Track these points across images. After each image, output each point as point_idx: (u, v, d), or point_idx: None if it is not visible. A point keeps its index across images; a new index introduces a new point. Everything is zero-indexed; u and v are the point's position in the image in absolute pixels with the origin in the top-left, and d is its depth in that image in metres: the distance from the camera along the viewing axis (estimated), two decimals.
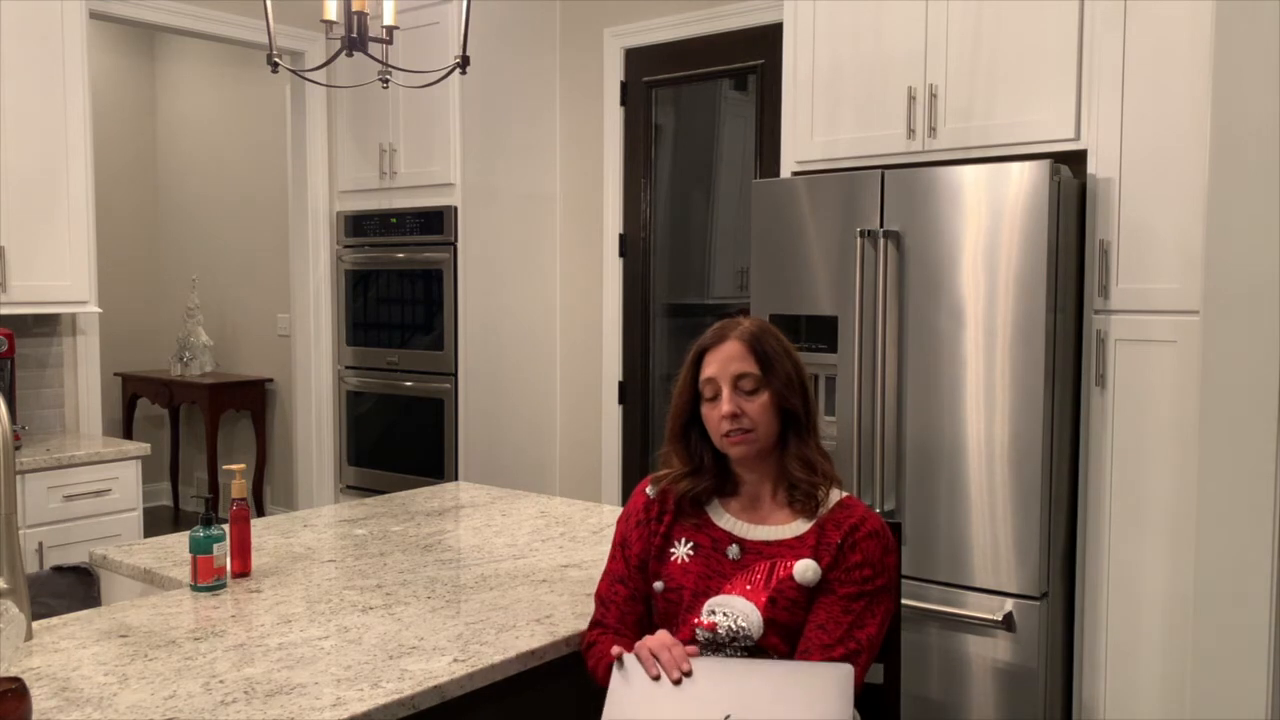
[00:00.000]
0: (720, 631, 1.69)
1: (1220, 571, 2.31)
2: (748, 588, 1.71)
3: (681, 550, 1.79)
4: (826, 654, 1.65)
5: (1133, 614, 2.84)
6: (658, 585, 1.79)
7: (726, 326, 1.79)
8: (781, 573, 1.70)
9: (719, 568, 1.75)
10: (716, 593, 1.73)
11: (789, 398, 1.75)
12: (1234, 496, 2.29)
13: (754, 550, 1.75)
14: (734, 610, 1.69)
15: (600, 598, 1.86)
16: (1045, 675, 2.80)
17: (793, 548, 1.73)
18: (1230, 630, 2.30)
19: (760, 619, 1.68)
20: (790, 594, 1.69)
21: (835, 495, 1.78)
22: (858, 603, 1.68)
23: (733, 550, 1.76)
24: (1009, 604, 2.81)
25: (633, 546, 1.84)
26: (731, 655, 1.70)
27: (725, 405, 1.73)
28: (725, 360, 1.74)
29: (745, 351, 1.74)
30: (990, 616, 2.82)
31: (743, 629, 1.68)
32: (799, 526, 1.75)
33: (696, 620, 1.71)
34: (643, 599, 1.84)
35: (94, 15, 4.04)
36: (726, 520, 1.80)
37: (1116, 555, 2.86)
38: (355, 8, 2.62)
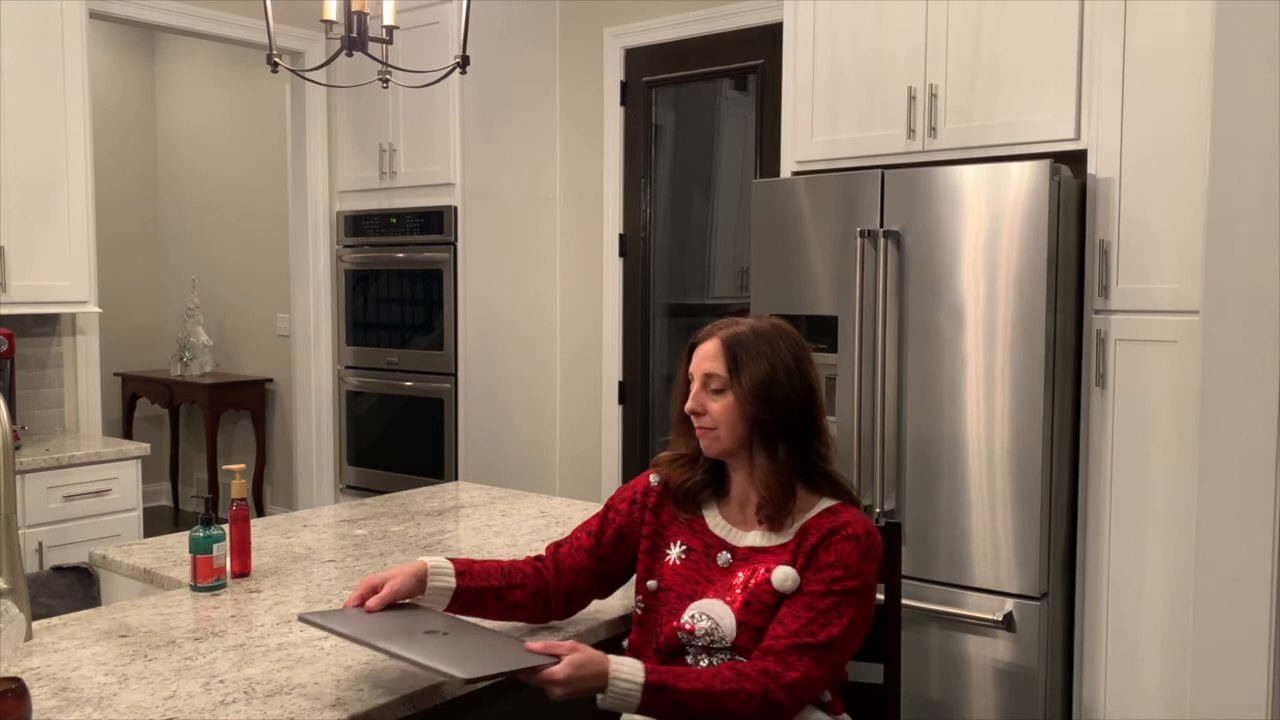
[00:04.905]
0: (698, 634, 1.70)
1: (1220, 571, 2.31)
2: (726, 592, 1.72)
3: (675, 552, 1.81)
4: (777, 643, 1.63)
5: (1133, 614, 2.84)
6: (651, 584, 1.81)
7: (717, 325, 1.81)
8: (759, 577, 1.70)
9: (707, 573, 1.76)
10: (700, 597, 1.74)
11: (751, 407, 1.72)
12: (1234, 496, 2.29)
13: (742, 556, 1.76)
14: (711, 613, 1.70)
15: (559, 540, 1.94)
16: (1045, 675, 2.80)
17: (776, 554, 1.73)
18: (1230, 630, 2.30)
19: (734, 621, 1.69)
20: (765, 598, 1.69)
21: (825, 503, 1.76)
22: (824, 600, 1.66)
23: (723, 557, 1.77)
24: (1009, 604, 2.81)
25: (615, 519, 1.88)
26: (711, 658, 1.71)
27: (690, 401, 1.77)
28: (701, 358, 1.78)
29: (719, 351, 1.75)
30: (990, 616, 2.82)
31: (717, 629, 1.69)
32: (786, 534, 1.74)
33: (677, 623, 1.73)
34: (598, 562, 1.87)
35: (94, 15, 4.04)
36: (720, 525, 1.81)
37: (1116, 555, 2.86)
38: (355, 8, 2.62)
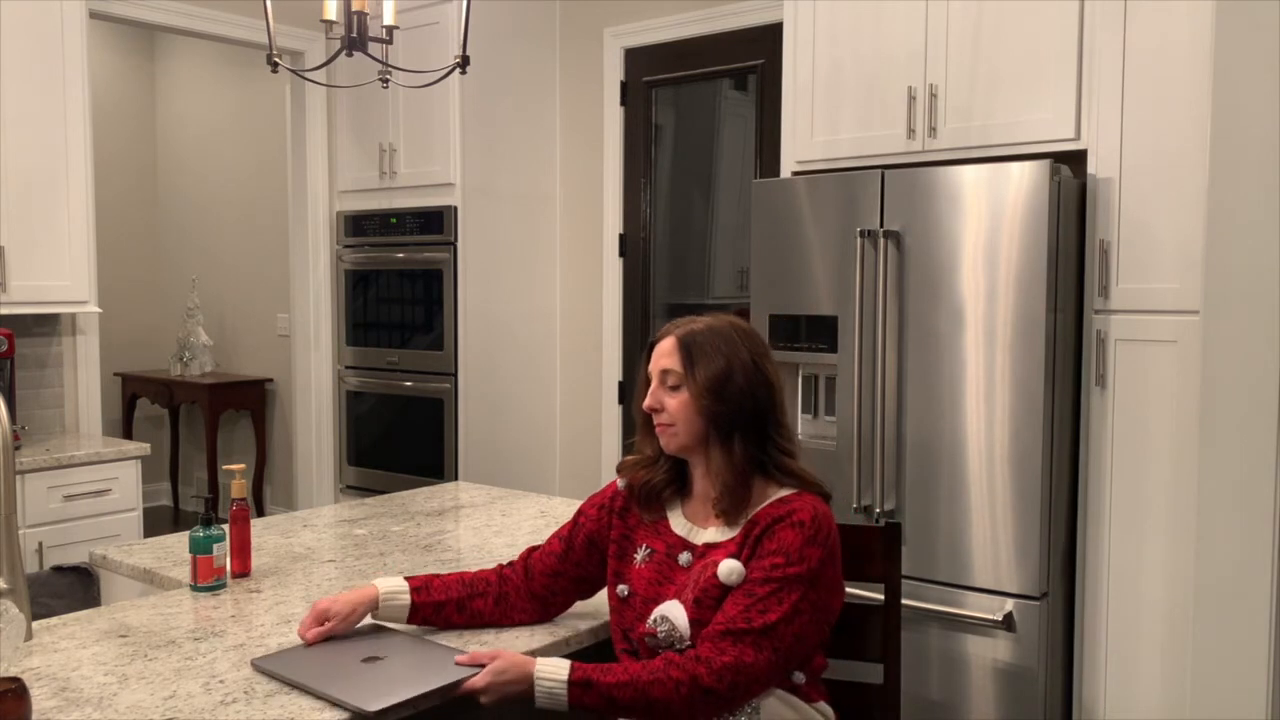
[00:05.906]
0: (660, 636, 1.71)
1: (1220, 571, 2.31)
2: (683, 591, 1.73)
3: (641, 555, 1.82)
4: (713, 629, 1.64)
5: (1133, 614, 2.84)
6: (621, 589, 1.82)
7: (674, 324, 1.83)
8: (709, 573, 1.71)
9: (670, 575, 1.78)
10: (664, 599, 1.75)
11: (707, 401, 1.74)
12: (1234, 496, 2.29)
13: (700, 554, 1.77)
14: (670, 615, 1.72)
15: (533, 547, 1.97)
16: (1045, 675, 2.80)
17: (726, 548, 1.74)
18: (1230, 630, 2.30)
19: (687, 619, 1.69)
20: (714, 594, 1.69)
21: (781, 493, 1.76)
22: (763, 587, 1.65)
23: (684, 557, 1.78)
24: (1009, 604, 2.81)
25: (585, 525, 1.90)
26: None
27: (648, 399, 1.80)
28: (658, 355, 1.81)
29: (674, 348, 1.79)
30: (990, 616, 2.82)
31: (674, 630, 1.70)
32: (738, 527, 1.75)
33: (644, 628, 1.74)
34: (573, 567, 1.89)
35: (94, 15, 4.04)
36: (681, 524, 1.82)
37: (1116, 555, 2.86)
38: (355, 8, 2.62)
